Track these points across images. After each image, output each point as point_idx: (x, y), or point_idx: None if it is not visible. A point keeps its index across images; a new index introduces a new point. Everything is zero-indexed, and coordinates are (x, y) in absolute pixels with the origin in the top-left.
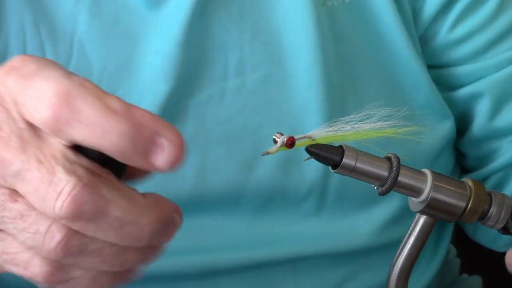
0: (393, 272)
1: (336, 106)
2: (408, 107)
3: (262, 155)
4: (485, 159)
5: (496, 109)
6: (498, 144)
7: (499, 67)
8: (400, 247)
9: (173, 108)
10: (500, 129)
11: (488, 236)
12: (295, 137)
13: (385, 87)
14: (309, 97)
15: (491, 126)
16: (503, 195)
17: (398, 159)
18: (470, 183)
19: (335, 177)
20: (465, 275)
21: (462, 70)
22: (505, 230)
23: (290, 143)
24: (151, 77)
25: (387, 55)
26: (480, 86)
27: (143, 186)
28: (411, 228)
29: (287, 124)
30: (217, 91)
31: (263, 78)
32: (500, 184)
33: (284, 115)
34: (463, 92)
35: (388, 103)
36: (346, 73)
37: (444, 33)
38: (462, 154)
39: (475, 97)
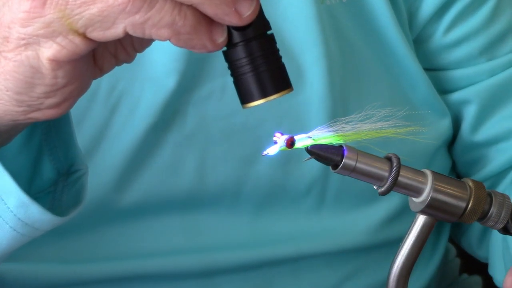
0: (393, 272)
1: (338, 103)
2: (408, 105)
3: (262, 155)
4: (472, 166)
5: (481, 119)
6: (485, 152)
7: (492, 73)
8: (400, 247)
9: (175, 103)
10: (484, 139)
11: (477, 249)
12: (295, 137)
13: (385, 85)
14: (310, 94)
15: (475, 136)
16: (504, 195)
17: (398, 159)
18: (470, 183)
19: (335, 175)
20: (465, 275)
21: (456, 74)
22: (505, 230)
23: (290, 143)
24: (155, 73)
25: (385, 54)
26: (469, 93)
27: (144, 180)
28: (411, 228)
29: (288, 121)
30: (218, 86)
31: None
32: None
33: (285, 112)
34: (455, 96)
35: (388, 101)
36: (348, 71)
37: (439, 36)
38: (453, 160)
39: (464, 103)
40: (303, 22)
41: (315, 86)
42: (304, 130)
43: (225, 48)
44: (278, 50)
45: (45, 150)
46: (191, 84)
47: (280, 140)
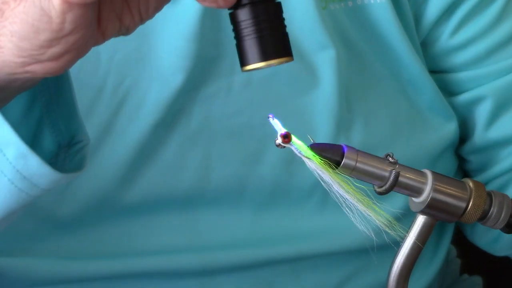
0: (393, 272)
1: (344, 107)
2: (414, 109)
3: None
4: (485, 164)
5: (492, 119)
6: (496, 152)
7: (499, 75)
8: (400, 247)
9: (180, 101)
10: (495, 140)
11: (485, 240)
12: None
13: (390, 90)
14: (318, 95)
15: (487, 136)
16: (503, 195)
17: (396, 160)
18: (471, 184)
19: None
20: (465, 275)
21: (463, 76)
22: (509, 228)
23: (284, 136)
24: (161, 70)
25: (390, 59)
26: (478, 94)
27: (148, 178)
28: (411, 228)
29: (293, 121)
30: (224, 85)
31: (270, 74)
32: (501, 189)
33: (290, 112)
34: (463, 98)
35: (393, 105)
36: (354, 74)
37: (446, 38)
38: (463, 159)
39: (474, 104)
40: (310, 25)
41: (324, 88)
42: (309, 130)
43: (231, 10)
44: (283, 19)
45: (46, 122)
46: (198, 83)
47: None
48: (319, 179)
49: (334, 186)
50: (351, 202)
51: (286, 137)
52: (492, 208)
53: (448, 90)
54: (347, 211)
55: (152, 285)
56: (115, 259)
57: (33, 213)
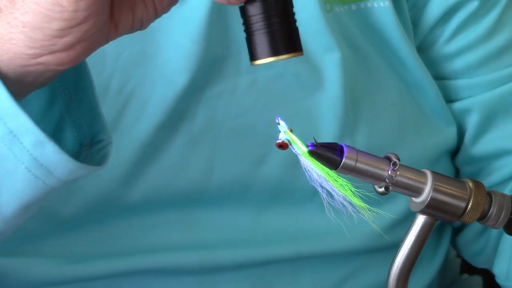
0: (393, 272)
1: (349, 109)
2: (418, 112)
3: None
4: (477, 176)
5: (480, 132)
6: (489, 164)
7: (491, 86)
8: (400, 247)
9: (185, 101)
10: (482, 153)
11: (468, 253)
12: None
13: (396, 92)
14: (323, 98)
15: (474, 148)
16: (503, 195)
17: (398, 159)
18: (470, 184)
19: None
20: (465, 275)
21: (457, 84)
22: (508, 228)
23: (280, 146)
24: (166, 70)
25: (395, 61)
26: (468, 104)
27: (151, 177)
28: (410, 228)
29: (298, 123)
30: (229, 86)
31: (275, 76)
32: None
33: (295, 114)
34: (456, 106)
35: (399, 108)
36: (360, 77)
37: (441, 45)
38: (457, 169)
39: (464, 114)
40: (316, 28)
41: (330, 90)
42: (314, 132)
43: (242, 4)
44: (294, 14)
45: (67, 121)
46: (202, 84)
47: (281, 130)
48: (309, 178)
49: (326, 185)
50: (342, 203)
51: (281, 147)
52: (492, 208)
53: (445, 97)
54: (328, 212)
55: (152, 283)
56: (117, 258)
57: (37, 212)
